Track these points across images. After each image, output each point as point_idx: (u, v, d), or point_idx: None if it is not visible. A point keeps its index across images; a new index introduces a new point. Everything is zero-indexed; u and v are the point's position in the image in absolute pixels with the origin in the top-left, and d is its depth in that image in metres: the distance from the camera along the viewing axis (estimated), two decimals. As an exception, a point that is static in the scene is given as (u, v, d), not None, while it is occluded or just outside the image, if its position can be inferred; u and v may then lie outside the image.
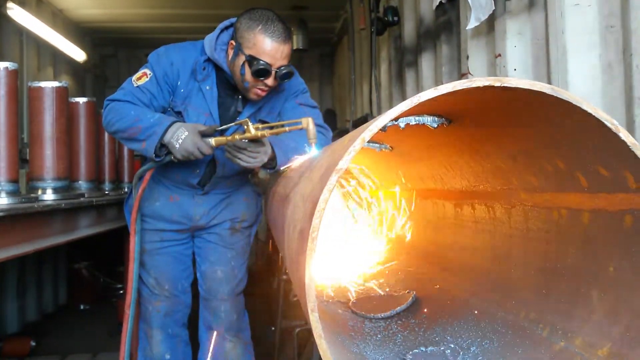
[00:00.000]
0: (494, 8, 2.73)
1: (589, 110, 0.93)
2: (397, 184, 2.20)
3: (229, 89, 2.75)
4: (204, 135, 2.50)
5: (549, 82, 2.36)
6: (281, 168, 2.57)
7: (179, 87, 2.71)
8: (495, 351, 1.28)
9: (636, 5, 2.00)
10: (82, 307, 6.39)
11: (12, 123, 2.61)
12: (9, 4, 6.38)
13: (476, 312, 1.45)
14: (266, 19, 2.53)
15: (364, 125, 1.03)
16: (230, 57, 2.64)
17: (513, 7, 2.69)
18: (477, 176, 1.52)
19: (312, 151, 2.18)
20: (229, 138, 2.45)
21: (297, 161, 2.37)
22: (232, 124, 2.58)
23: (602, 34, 2.19)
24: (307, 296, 0.87)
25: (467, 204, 1.64)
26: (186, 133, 2.47)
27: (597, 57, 2.19)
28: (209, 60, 2.70)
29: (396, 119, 1.17)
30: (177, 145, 2.47)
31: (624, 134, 0.95)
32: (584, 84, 2.20)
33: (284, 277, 3.52)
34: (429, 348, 1.36)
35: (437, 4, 3.71)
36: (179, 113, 2.72)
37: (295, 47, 7.59)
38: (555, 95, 0.95)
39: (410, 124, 1.31)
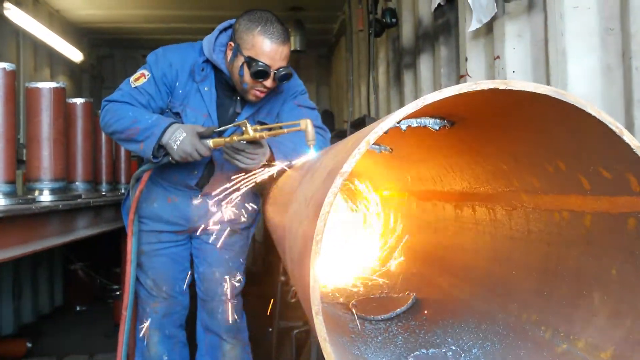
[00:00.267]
0: (496, 10, 2.73)
1: (594, 114, 0.93)
2: (396, 185, 2.20)
3: (228, 90, 2.75)
4: (202, 136, 2.49)
5: (548, 84, 2.36)
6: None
7: (177, 88, 2.70)
8: (497, 353, 1.27)
9: (636, 7, 2.01)
10: (78, 308, 6.37)
11: (9, 124, 2.61)
12: (6, 4, 6.36)
13: (477, 313, 1.45)
14: (265, 20, 2.52)
15: (368, 127, 1.03)
16: (229, 58, 2.64)
17: (512, 9, 2.69)
18: (478, 178, 1.52)
19: (311, 153, 2.18)
20: (227, 139, 2.45)
21: (296, 162, 2.37)
22: (231, 125, 2.58)
23: (602, 36, 2.19)
24: (311, 299, 0.86)
25: (467, 205, 1.64)
26: (184, 134, 2.47)
27: (597, 59, 2.20)
28: (207, 61, 2.70)
29: (399, 121, 1.17)
30: (175, 147, 2.47)
31: (627, 137, 0.95)
32: (583, 86, 2.21)
33: (282, 278, 3.51)
34: (430, 350, 1.36)
35: (436, 5, 3.71)
36: (177, 114, 2.72)
37: (292, 49, 7.57)
38: (559, 98, 0.95)
39: (412, 126, 1.30)
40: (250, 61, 2.52)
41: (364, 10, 5.52)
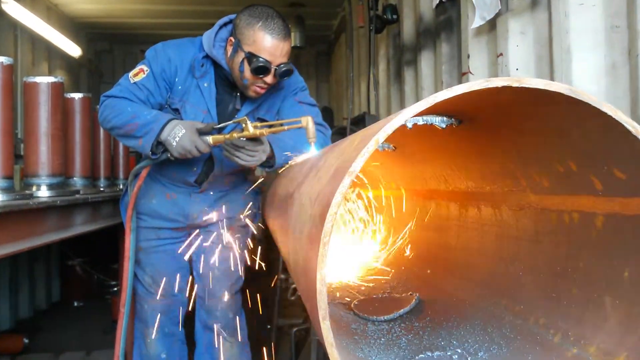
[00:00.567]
0: (499, 7, 2.70)
1: (609, 113, 0.91)
2: (399, 184, 2.17)
3: (228, 86, 2.72)
4: (202, 133, 2.46)
5: (553, 82, 2.33)
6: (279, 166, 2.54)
7: (177, 83, 2.67)
8: (505, 357, 1.24)
9: (643, 5, 1.98)
10: (75, 304, 6.35)
11: (7, 118, 2.58)
12: (3, -2, 6.32)
13: (482, 315, 1.42)
14: (266, 15, 2.49)
15: (375, 125, 1.00)
16: (229, 54, 2.61)
17: (515, 6, 2.66)
18: (484, 177, 1.49)
19: (312, 150, 2.15)
20: (227, 136, 2.42)
21: (296, 160, 2.34)
22: (231, 122, 2.55)
23: (607, 33, 2.16)
24: (318, 303, 0.83)
25: (472, 205, 1.61)
26: (183, 131, 2.44)
27: (602, 57, 2.17)
28: (207, 57, 2.67)
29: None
30: (174, 143, 2.44)
31: (643, 137, 0.93)
32: (588, 84, 2.18)
33: (282, 276, 3.48)
34: (435, 353, 1.33)
35: (438, 2, 3.68)
36: (176, 110, 2.69)
37: (292, 45, 7.55)
38: (573, 96, 0.92)
39: (418, 123, 1.27)
40: (250, 57, 2.49)
41: (364, 6, 5.48)
